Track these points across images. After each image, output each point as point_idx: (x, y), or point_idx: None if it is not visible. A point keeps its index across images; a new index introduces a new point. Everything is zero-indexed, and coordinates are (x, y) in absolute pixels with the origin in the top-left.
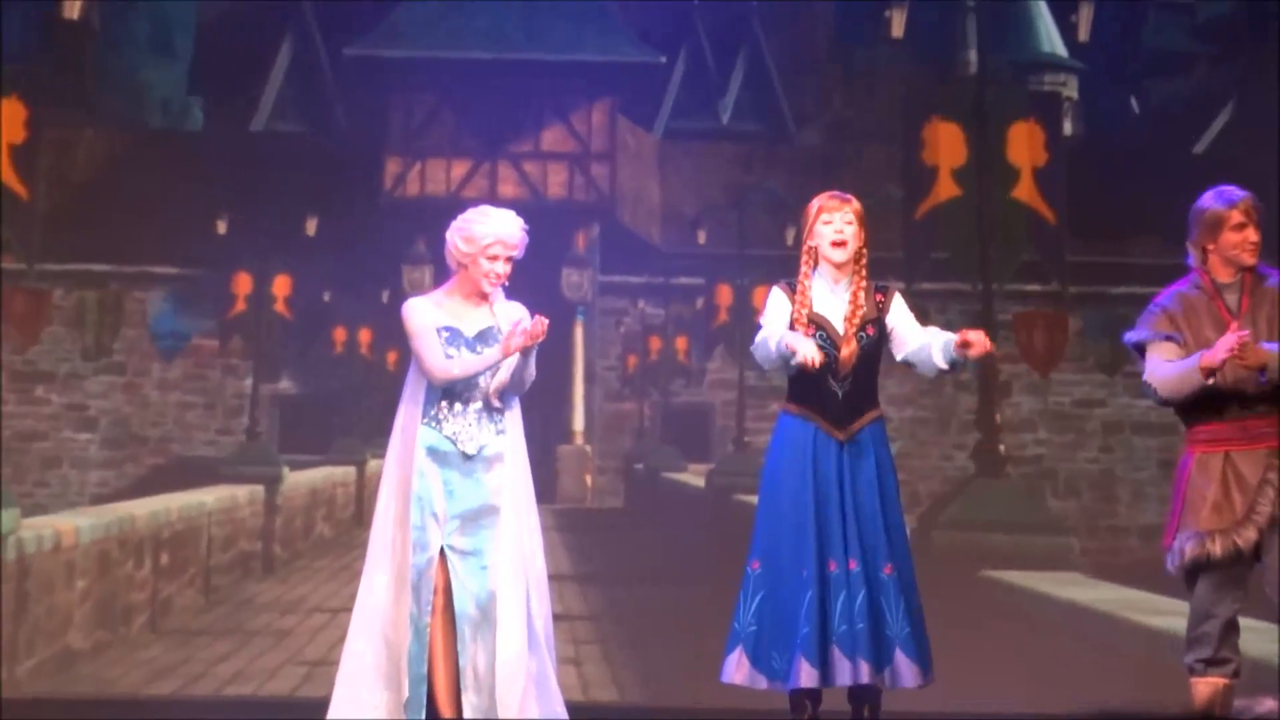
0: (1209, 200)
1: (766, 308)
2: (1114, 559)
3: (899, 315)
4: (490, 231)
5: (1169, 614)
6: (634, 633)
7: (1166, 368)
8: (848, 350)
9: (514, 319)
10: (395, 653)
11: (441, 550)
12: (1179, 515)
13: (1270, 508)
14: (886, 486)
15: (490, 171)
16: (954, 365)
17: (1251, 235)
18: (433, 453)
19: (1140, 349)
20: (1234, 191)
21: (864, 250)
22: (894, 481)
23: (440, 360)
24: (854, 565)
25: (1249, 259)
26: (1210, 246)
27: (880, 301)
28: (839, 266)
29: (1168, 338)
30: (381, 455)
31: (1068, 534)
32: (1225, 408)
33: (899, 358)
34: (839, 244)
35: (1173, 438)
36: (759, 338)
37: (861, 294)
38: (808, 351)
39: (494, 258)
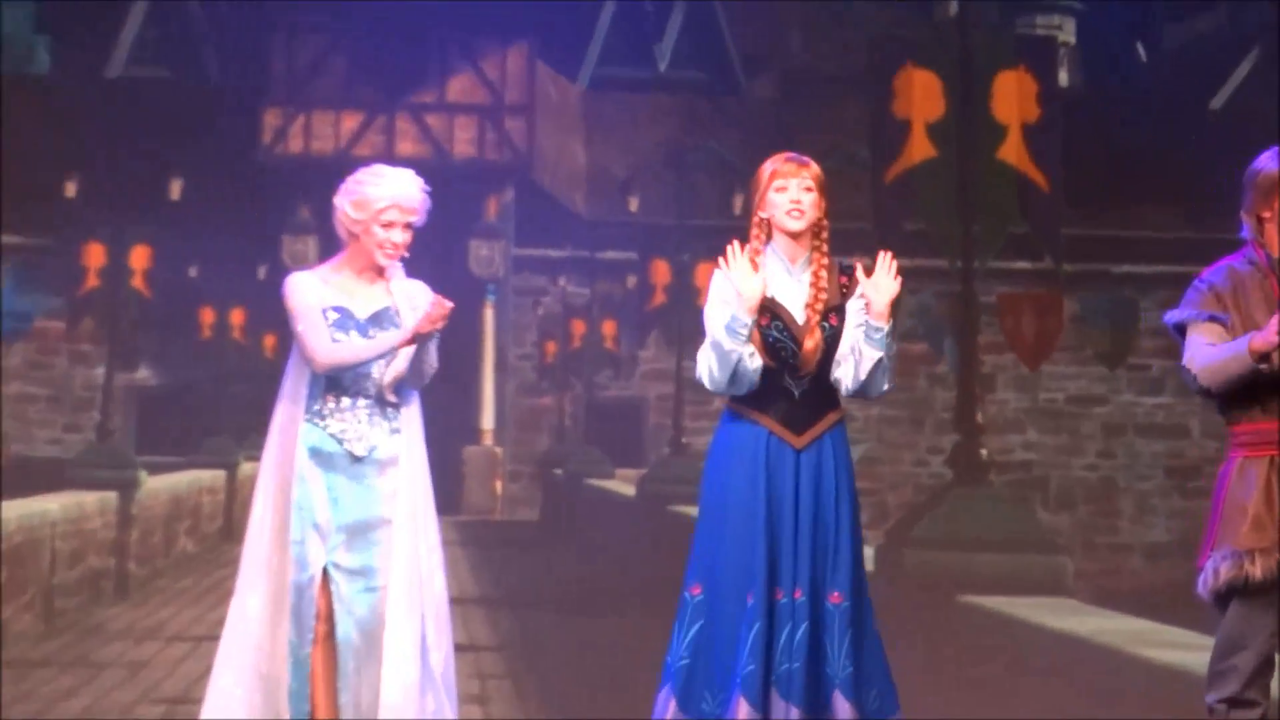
0: (1266, 160)
1: (710, 297)
2: (1115, 582)
3: (858, 309)
4: (384, 194)
5: (1181, 647)
6: (550, 666)
7: (1209, 351)
8: (811, 343)
9: (415, 299)
10: (271, 689)
11: (325, 568)
12: (1215, 530)
13: None
14: (845, 503)
15: (387, 126)
16: (877, 340)
17: None
18: (316, 454)
19: (1181, 331)
20: None
21: (825, 222)
22: (853, 497)
23: (325, 344)
24: (800, 595)
25: None
26: (1266, 214)
27: (845, 285)
28: (796, 240)
29: (1212, 318)
30: (256, 457)
31: (1061, 553)
32: (1273, 403)
33: (833, 375)
34: (796, 214)
35: (1183, 441)
36: (706, 350)
37: (823, 274)
38: (746, 289)
39: (389, 225)
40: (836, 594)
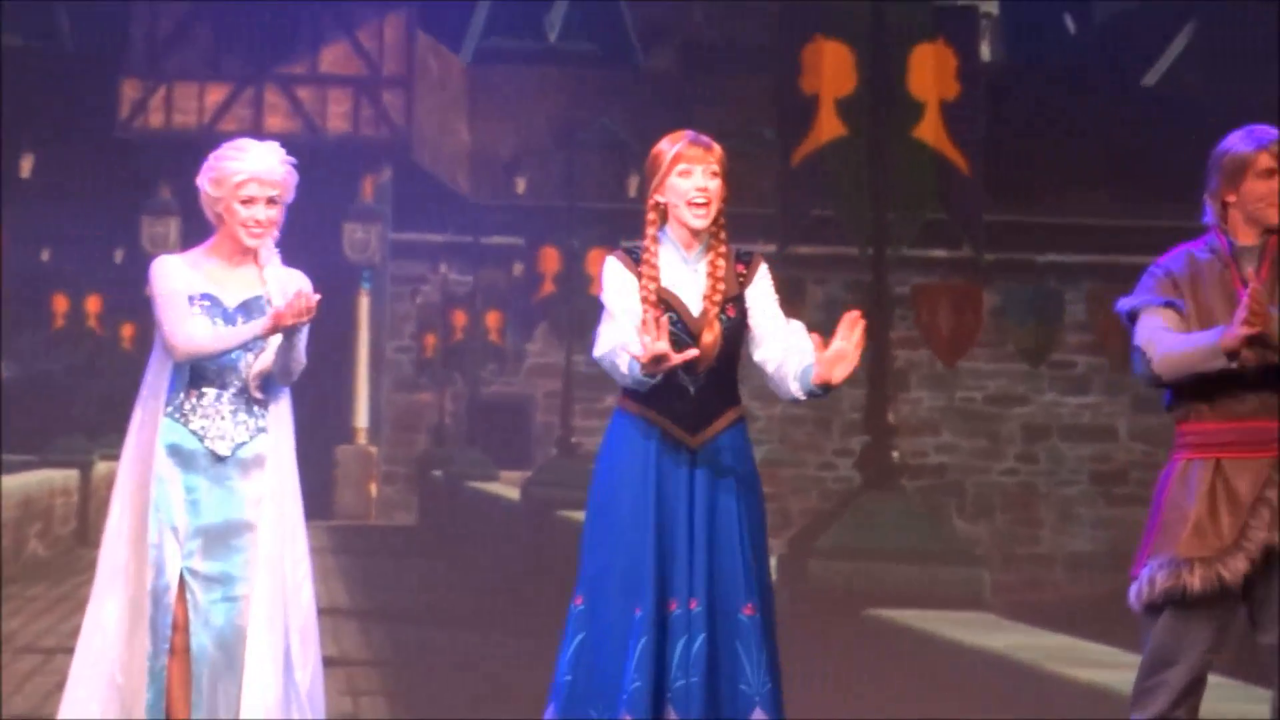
0: (1234, 141)
1: (605, 287)
2: (1035, 595)
3: (760, 295)
4: (242, 168)
5: (1105, 665)
6: (427, 682)
7: (1172, 339)
8: (710, 336)
9: (290, 288)
10: (128, 702)
11: (181, 575)
12: (1154, 536)
13: (1266, 533)
14: (748, 505)
15: (254, 99)
16: (813, 395)
17: None
18: (175, 452)
19: (1134, 319)
20: (1267, 131)
21: (722, 207)
22: (757, 499)
23: (184, 330)
24: (695, 605)
25: (1275, 216)
26: (1231, 199)
27: (742, 274)
28: (695, 231)
29: (1169, 304)
30: (113, 456)
31: (977, 564)
32: (1222, 403)
33: (755, 357)
34: (699, 204)
35: (1110, 444)
36: (602, 347)
37: (721, 264)
38: (653, 351)
39: (250, 201)
40: (750, 606)
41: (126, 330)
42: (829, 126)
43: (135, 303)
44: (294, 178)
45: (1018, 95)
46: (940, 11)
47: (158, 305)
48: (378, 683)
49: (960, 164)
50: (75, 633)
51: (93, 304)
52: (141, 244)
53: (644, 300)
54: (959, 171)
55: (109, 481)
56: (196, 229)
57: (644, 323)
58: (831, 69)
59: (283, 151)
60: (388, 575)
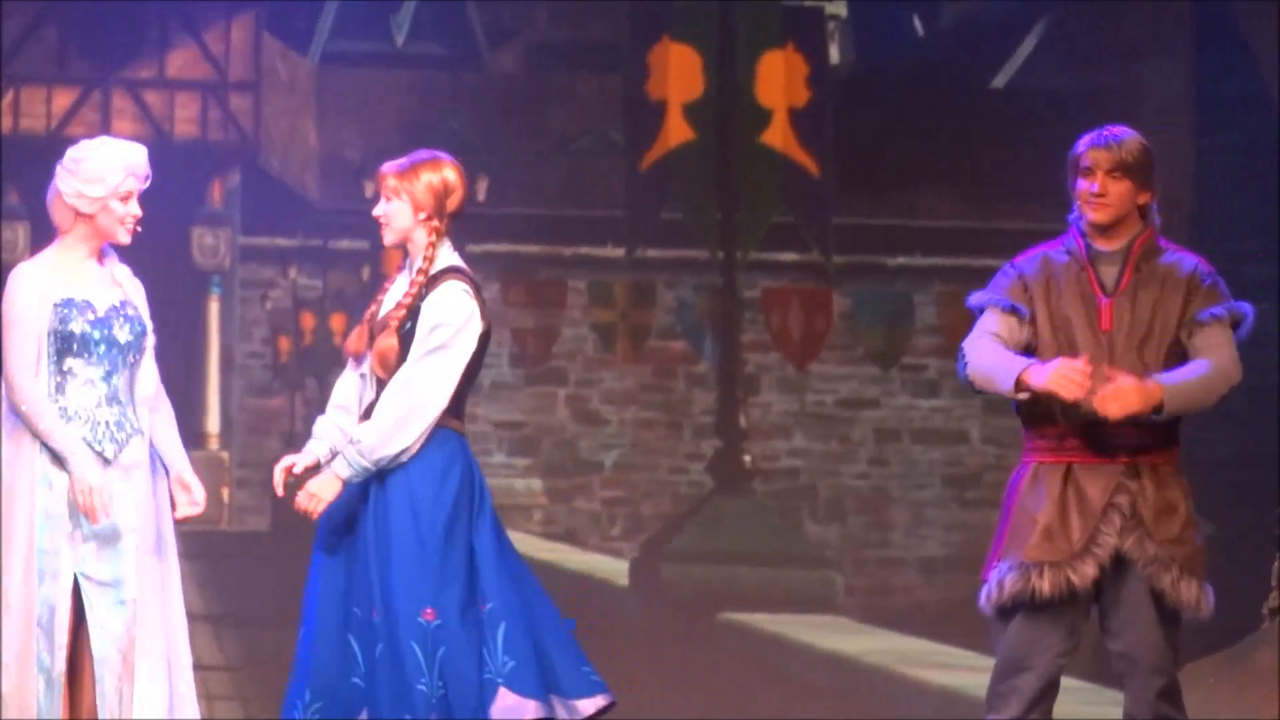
0: (1078, 140)
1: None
2: (887, 599)
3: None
4: (119, 164)
5: (957, 668)
6: (280, 687)
7: (988, 354)
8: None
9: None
10: (21, 709)
11: (75, 580)
12: (1003, 540)
13: (1116, 539)
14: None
15: (102, 103)
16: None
17: (1097, 186)
18: (60, 457)
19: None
20: (1107, 131)
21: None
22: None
23: (29, 382)
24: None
25: (1090, 214)
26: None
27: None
28: None
29: (1013, 308)
30: None
31: (830, 567)
32: (1073, 408)
33: None
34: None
35: (962, 448)
36: None
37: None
38: None
39: (127, 196)
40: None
41: None
42: (677, 132)
43: None
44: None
45: (867, 98)
46: (789, 15)
47: (5, 327)
48: (231, 687)
49: (809, 166)
50: None
51: None
52: None
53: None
54: (808, 175)
55: None
56: (46, 234)
57: None
58: (678, 73)
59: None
60: (241, 580)
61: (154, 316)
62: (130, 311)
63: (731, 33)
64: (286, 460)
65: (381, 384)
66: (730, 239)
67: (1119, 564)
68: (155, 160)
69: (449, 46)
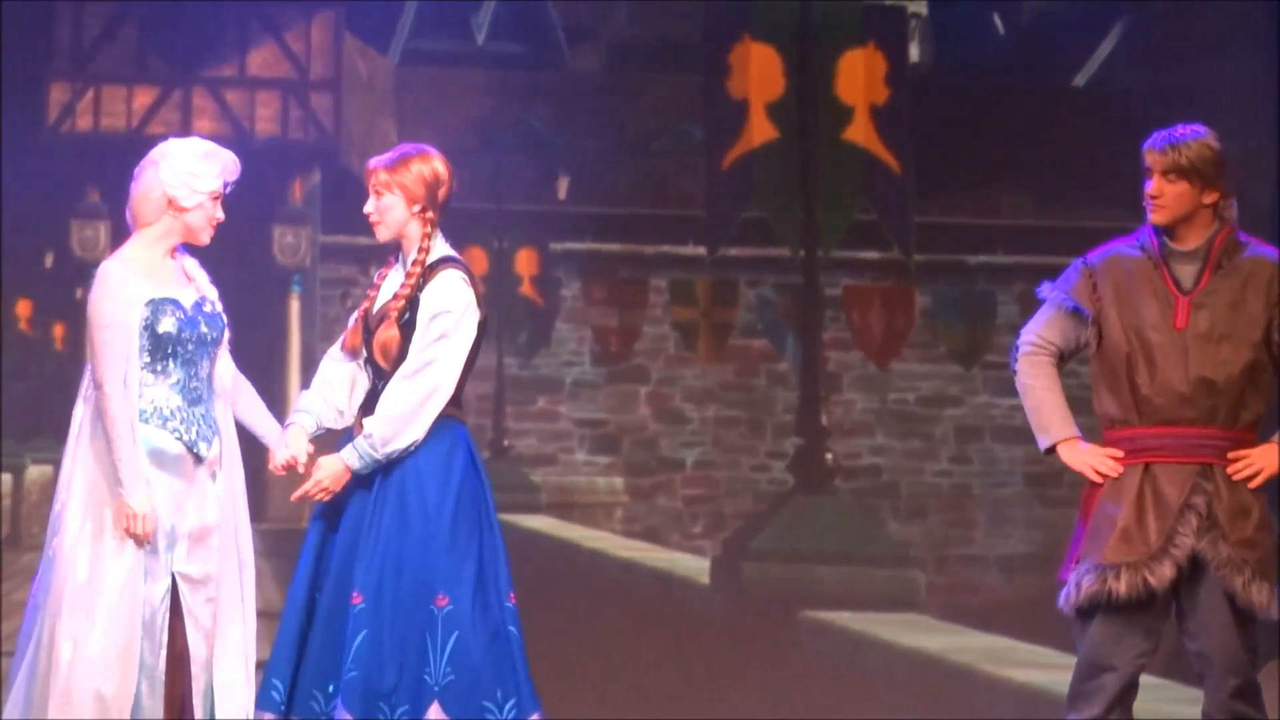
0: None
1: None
2: (969, 597)
3: None
4: (220, 165)
5: (1040, 665)
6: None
7: (1046, 379)
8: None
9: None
10: (118, 709)
11: (173, 578)
12: (1081, 541)
13: (1193, 539)
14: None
15: (182, 101)
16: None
17: (1151, 187)
18: (158, 456)
19: None
20: (1163, 132)
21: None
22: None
23: (118, 387)
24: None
25: (1149, 215)
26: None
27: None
28: None
29: (1075, 309)
30: (44, 460)
31: (912, 565)
32: (1149, 408)
33: None
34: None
35: None
36: None
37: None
38: None
39: (218, 197)
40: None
41: (57, 331)
42: (760, 130)
43: (65, 306)
44: None
45: (947, 96)
46: (869, 13)
47: (97, 328)
48: None
49: (891, 164)
50: (10, 637)
51: (23, 308)
52: (71, 248)
53: None
54: (889, 172)
55: (41, 485)
56: (126, 232)
57: None
58: (759, 72)
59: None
60: None
61: (235, 315)
62: (208, 308)
63: (811, 31)
64: (283, 456)
65: (383, 373)
66: (812, 237)
67: (1195, 565)
68: (237, 158)
69: (529, 45)
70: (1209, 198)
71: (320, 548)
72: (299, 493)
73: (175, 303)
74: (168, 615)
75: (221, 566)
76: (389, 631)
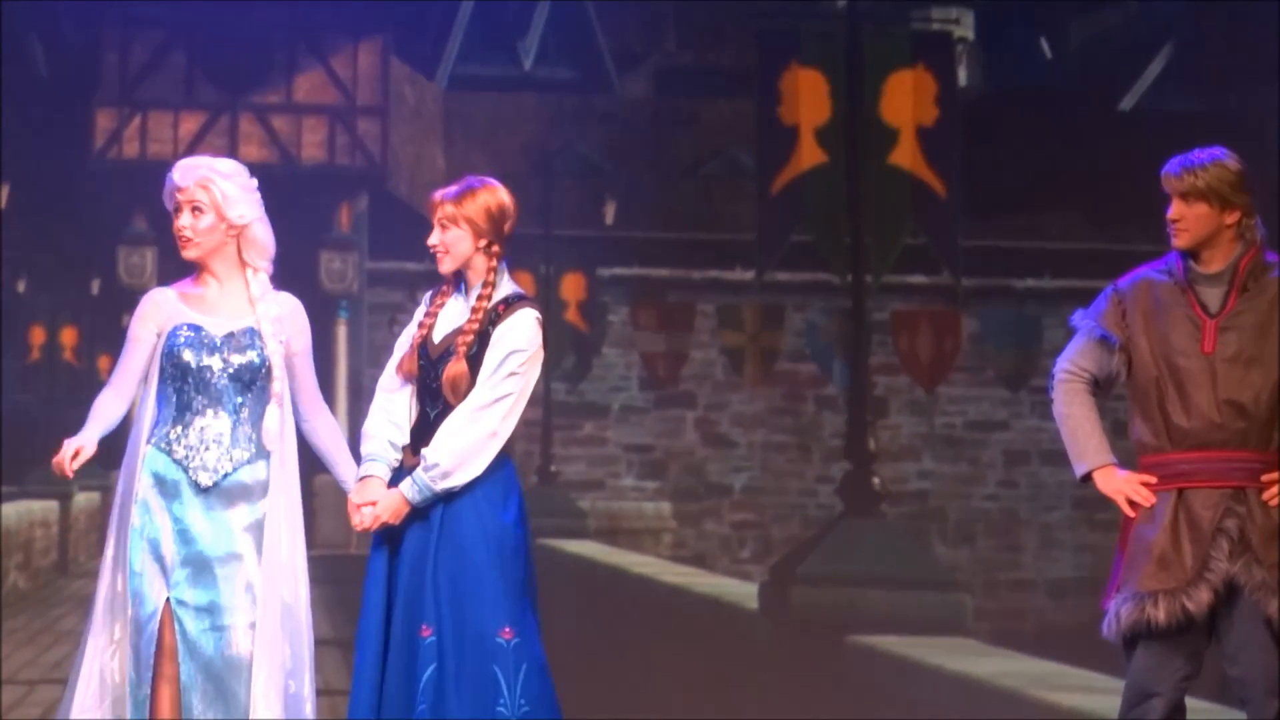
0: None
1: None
2: (1018, 622)
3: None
4: (166, 185)
5: (1089, 690)
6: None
7: (1083, 407)
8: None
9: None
10: None
11: (170, 605)
12: (1120, 569)
13: (1227, 564)
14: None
15: (229, 128)
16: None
17: (1171, 212)
18: (159, 482)
19: None
20: (1180, 156)
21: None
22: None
23: (106, 395)
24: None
25: (1174, 241)
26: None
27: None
28: None
29: (1103, 337)
30: (92, 487)
31: (959, 590)
32: (1181, 434)
33: None
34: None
35: None
36: None
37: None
38: None
39: (175, 211)
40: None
41: (103, 362)
42: (809, 154)
43: (112, 334)
44: None
45: (995, 120)
46: (917, 37)
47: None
48: None
49: (938, 188)
50: (58, 664)
51: (68, 335)
52: (118, 274)
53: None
54: (937, 196)
55: (89, 512)
56: (173, 259)
57: None
58: (808, 97)
59: None
60: None
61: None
62: (246, 340)
63: (858, 56)
64: (369, 515)
65: (438, 403)
66: (860, 261)
67: (1231, 589)
68: (283, 184)
69: (577, 70)
70: (1230, 218)
71: (388, 578)
72: (359, 526)
73: (196, 329)
74: (155, 639)
75: (244, 598)
76: (456, 666)
